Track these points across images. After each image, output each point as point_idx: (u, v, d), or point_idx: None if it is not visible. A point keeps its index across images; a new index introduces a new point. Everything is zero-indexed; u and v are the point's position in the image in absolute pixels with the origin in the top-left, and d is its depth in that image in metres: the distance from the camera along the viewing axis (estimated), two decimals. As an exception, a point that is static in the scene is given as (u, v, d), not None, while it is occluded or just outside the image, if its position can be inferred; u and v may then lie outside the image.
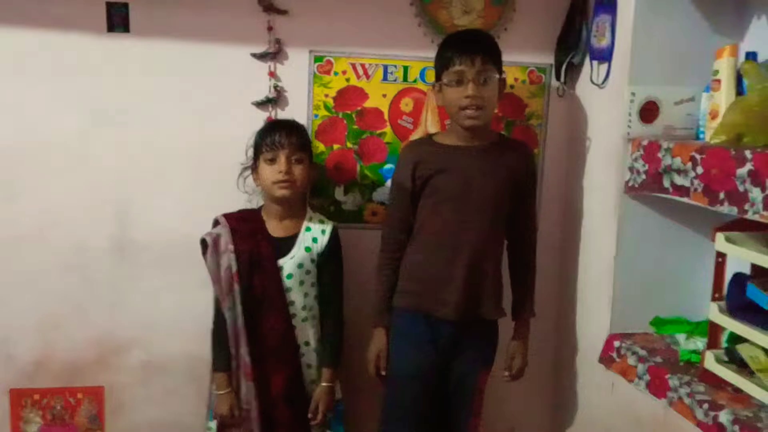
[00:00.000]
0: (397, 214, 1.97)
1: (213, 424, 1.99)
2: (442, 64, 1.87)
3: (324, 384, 1.99)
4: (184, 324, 2.15)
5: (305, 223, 2.00)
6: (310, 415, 1.98)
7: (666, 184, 1.72)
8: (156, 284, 2.16)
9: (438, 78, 1.89)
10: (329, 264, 2.01)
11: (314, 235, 1.99)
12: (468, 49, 1.82)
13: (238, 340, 1.92)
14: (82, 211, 2.10)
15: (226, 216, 1.97)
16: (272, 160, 1.92)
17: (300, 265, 1.96)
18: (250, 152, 2.00)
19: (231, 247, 1.91)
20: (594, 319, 2.06)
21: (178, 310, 2.16)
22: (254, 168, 1.98)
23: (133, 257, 2.14)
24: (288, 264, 1.95)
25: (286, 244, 1.97)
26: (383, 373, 1.96)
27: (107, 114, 2.07)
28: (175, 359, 2.18)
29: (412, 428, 1.95)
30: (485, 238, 1.90)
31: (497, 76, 1.85)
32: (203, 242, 1.94)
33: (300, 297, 1.96)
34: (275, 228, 1.98)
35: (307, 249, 1.97)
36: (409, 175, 1.90)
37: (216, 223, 1.98)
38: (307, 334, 1.99)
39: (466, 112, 1.83)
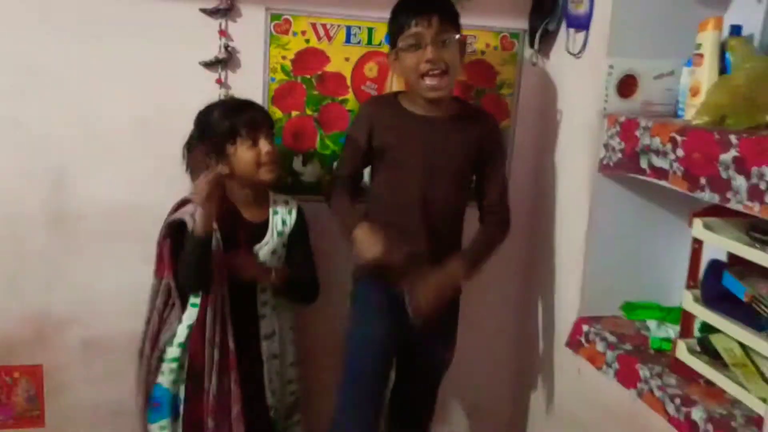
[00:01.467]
0: (347, 165, 1.90)
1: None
2: (397, 28, 1.75)
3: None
4: (126, 301, 1.99)
5: (271, 207, 1.88)
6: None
7: (643, 164, 1.62)
8: (96, 258, 2.01)
9: (393, 45, 1.76)
10: (298, 243, 1.91)
11: (282, 217, 1.88)
12: (423, 9, 1.71)
13: (224, 326, 1.78)
14: (14, 178, 1.93)
15: None
16: (254, 143, 1.77)
17: (274, 252, 1.86)
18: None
19: (215, 225, 1.76)
20: (563, 301, 1.99)
21: (120, 285, 2.01)
22: (221, 152, 1.77)
23: (70, 229, 1.98)
24: (263, 251, 1.85)
25: (259, 230, 1.85)
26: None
27: (40, 73, 1.88)
28: (117, 338, 2.03)
29: (368, 396, 1.85)
30: (445, 214, 1.84)
31: (457, 36, 1.74)
32: (182, 224, 1.76)
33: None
34: (245, 214, 1.85)
35: (280, 233, 1.87)
36: (364, 133, 1.83)
37: (184, 202, 1.82)
38: (274, 323, 1.88)
39: (427, 81, 1.72)
